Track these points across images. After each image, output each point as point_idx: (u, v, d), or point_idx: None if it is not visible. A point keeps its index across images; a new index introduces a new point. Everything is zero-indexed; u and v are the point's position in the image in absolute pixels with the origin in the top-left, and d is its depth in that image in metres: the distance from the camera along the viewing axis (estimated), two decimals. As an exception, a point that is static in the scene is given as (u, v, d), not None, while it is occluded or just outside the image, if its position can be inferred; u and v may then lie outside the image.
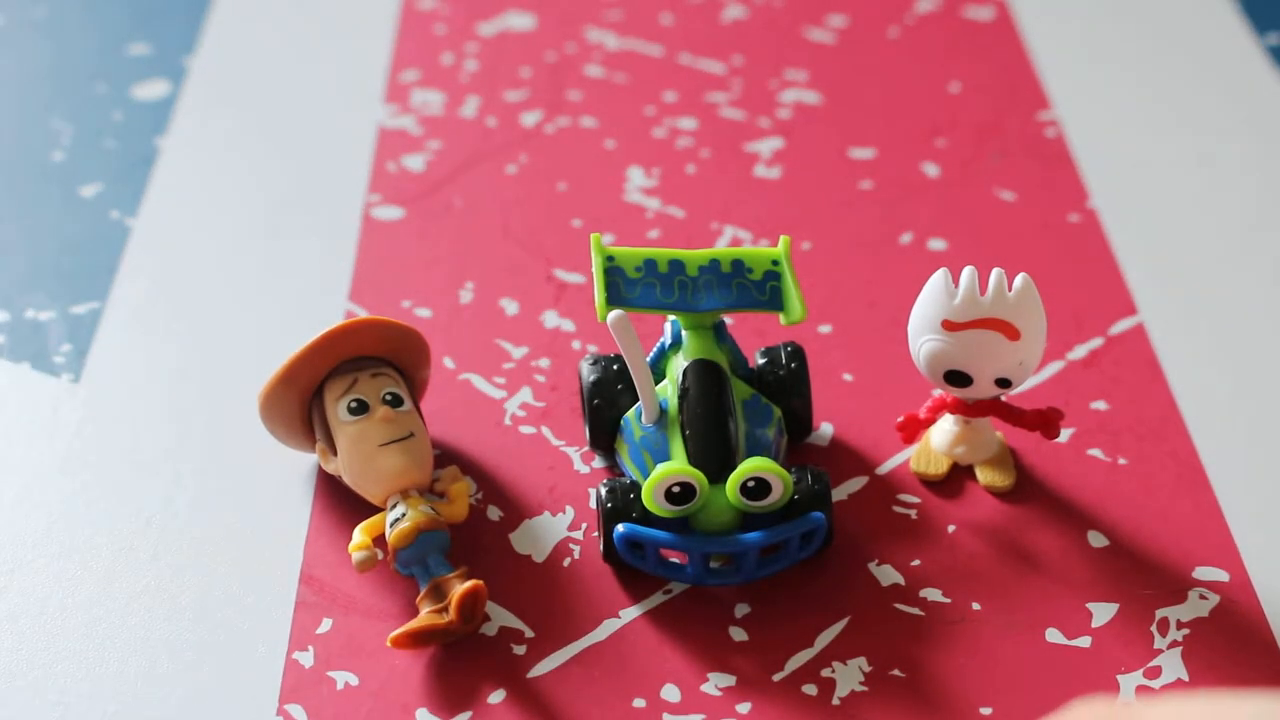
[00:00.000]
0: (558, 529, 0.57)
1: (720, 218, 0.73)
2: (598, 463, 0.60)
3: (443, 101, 0.82)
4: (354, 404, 0.55)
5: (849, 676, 0.52)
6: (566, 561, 0.56)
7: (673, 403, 0.55)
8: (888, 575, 0.55)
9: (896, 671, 0.52)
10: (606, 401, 0.58)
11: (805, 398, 0.58)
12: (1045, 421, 0.57)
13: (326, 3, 0.92)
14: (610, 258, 0.56)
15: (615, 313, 0.53)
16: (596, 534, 0.56)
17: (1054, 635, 0.53)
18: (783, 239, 0.57)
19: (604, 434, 0.58)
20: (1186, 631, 0.53)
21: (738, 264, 0.57)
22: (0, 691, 0.52)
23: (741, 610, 0.54)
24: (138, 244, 0.73)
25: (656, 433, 0.55)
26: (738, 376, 0.57)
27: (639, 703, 0.51)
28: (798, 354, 0.59)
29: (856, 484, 0.59)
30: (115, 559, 0.57)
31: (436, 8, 0.91)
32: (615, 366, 0.58)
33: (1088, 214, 0.73)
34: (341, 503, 0.58)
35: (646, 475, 0.55)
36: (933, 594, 0.54)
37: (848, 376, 0.64)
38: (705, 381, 0.55)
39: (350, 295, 0.69)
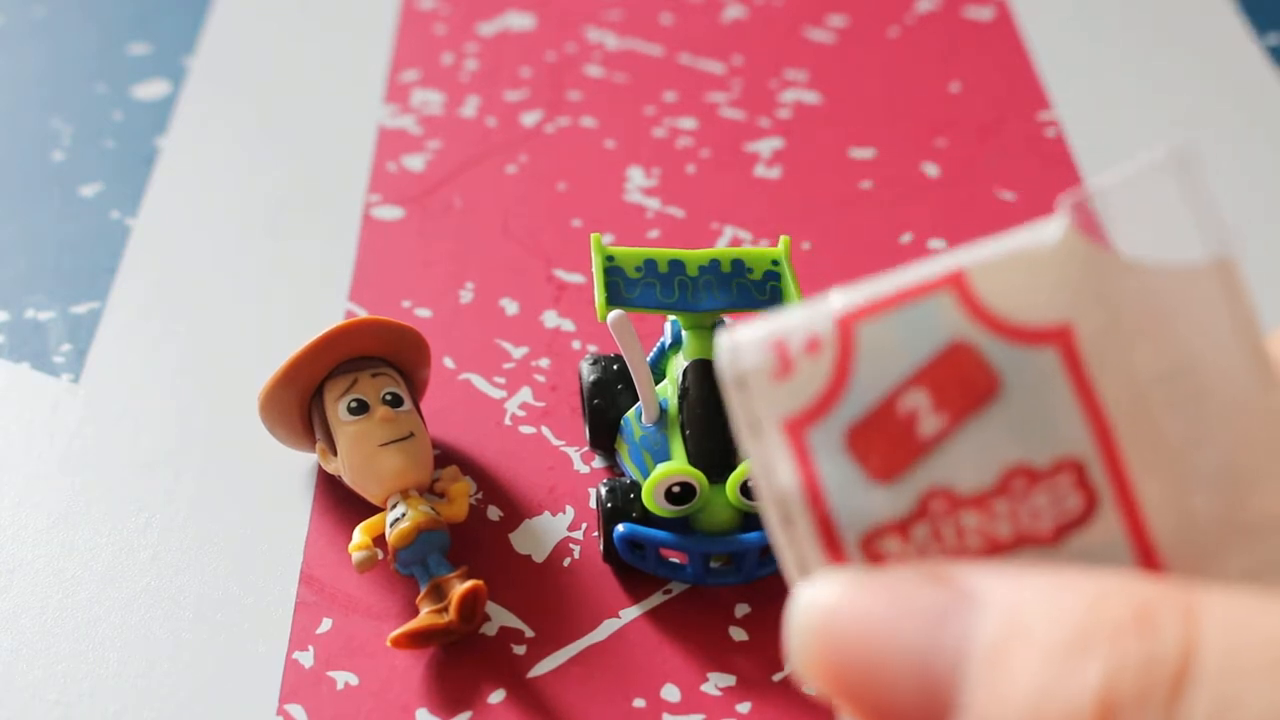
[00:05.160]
0: (558, 529, 0.57)
1: (720, 218, 0.73)
2: (598, 463, 0.60)
3: (443, 101, 0.82)
4: (354, 404, 0.55)
5: (849, 676, 0.51)
6: (566, 561, 0.56)
7: (673, 403, 0.55)
8: (888, 575, 0.55)
9: (896, 671, 0.52)
10: (606, 401, 0.58)
11: (805, 398, 0.58)
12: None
13: (326, 3, 0.92)
14: (610, 258, 0.56)
15: (615, 313, 0.53)
16: (596, 534, 0.56)
17: (1054, 635, 0.53)
18: (783, 239, 0.57)
19: (604, 434, 0.58)
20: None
21: (738, 264, 0.57)
22: (0, 691, 0.52)
23: (741, 610, 0.54)
24: (138, 244, 0.73)
25: (656, 433, 0.55)
26: (738, 376, 0.57)
27: (639, 703, 0.51)
28: (798, 354, 0.59)
29: (856, 484, 0.59)
30: (115, 559, 0.57)
31: (436, 8, 0.91)
32: (615, 366, 0.58)
33: (1088, 214, 0.73)
34: (341, 503, 0.58)
35: (646, 475, 0.55)
36: (933, 594, 0.54)
37: (848, 376, 0.64)
38: (705, 381, 0.55)
39: (350, 295, 0.69)
